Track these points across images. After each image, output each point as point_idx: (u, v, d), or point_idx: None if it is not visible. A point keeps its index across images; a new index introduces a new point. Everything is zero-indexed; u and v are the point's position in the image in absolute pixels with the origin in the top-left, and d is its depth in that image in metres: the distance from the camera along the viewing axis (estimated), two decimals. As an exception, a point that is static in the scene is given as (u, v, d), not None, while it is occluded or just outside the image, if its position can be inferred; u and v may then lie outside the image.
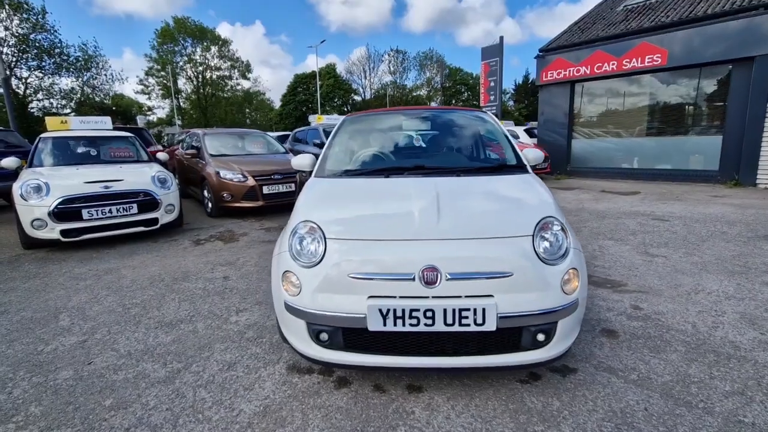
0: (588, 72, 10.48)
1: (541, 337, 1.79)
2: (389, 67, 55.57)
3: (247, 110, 51.68)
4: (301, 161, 3.05)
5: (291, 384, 2.10)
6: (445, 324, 1.72)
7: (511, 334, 1.77)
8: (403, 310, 1.73)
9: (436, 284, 1.73)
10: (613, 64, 10.00)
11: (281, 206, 6.97)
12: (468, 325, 1.71)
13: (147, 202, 5.20)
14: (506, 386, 2.02)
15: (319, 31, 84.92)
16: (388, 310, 1.73)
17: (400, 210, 2.02)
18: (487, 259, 1.77)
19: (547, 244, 1.88)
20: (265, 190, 6.55)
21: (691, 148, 9.35)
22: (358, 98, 56.47)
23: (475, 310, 1.70)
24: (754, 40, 8.07)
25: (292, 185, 6.77)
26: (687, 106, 9.50)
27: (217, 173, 6.55)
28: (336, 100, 54.84)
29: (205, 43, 44.61)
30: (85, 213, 4.78)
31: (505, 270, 1.75)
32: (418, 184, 2.27)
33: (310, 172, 3.04)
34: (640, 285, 3.33)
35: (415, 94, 56.78)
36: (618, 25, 10.49)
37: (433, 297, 1.74)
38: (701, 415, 1.78)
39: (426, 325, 1.73)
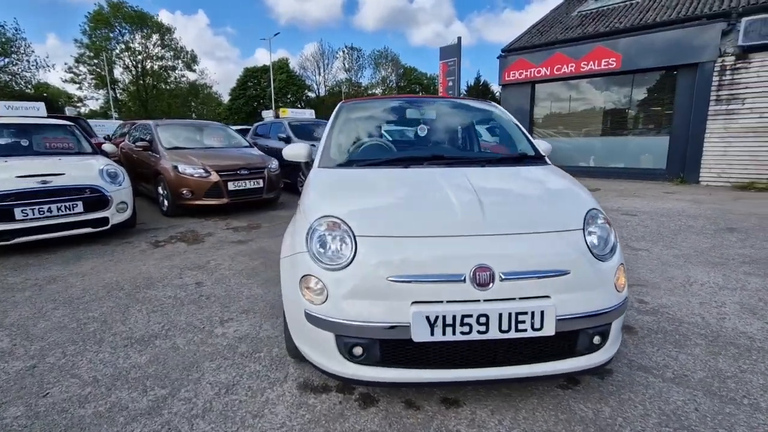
0: (548, 73, 10.84)
1: (597, 339, 1.64)
2: (344, 64, 54.98)
3: (193, 104, 48.69)
4: (296, 150, 2.72)
5: (308, 406, 1.80)
6: (500, 330, 1.52)
7: (568, 338, 1.61)
8: (454, 317, 1.50)
9: (490, 286, 1.53)
10: (571, 66, 10.41)
11: (248, 204, 6.48)
12: (525, 330, 1.53)
13: (95, 199, 4.54)
14: (548, 393, 1.86)
15: (267, 24, 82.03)
16: (437, 318, 1.50)
17: (436, 202, 1.79)
18: (543, 255, 1.59)
19: (595, 238, 1.74)
20: (231, 186, 6.02)
21: (642, 148, 9.96)
22: (311, 95, 55.32)
23: (533, 313, 1.52)
24: (696, 48, 8.71)
25: (261, 181, 6.29)
26: (638, 108, 10.11)
27: (175, 168, 5.93)
28: (289, 96, 53.34)
29: (145, 31, 41.41)
30: (18, 212, 4.06)
31: (561, 267, 1.58)
32: (446, 174, 2.05)
33: (307, 163, 2.73)
34: (636, 279, 3.35)
35: (370, 92, 56.63)
36: (575, 29, 10.95)
37: (484, 300, 1.53)
38: (751, 413, 1.72)
39: (479, 332, 1.52)
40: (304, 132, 8.61)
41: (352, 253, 1.62)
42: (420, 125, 2.84)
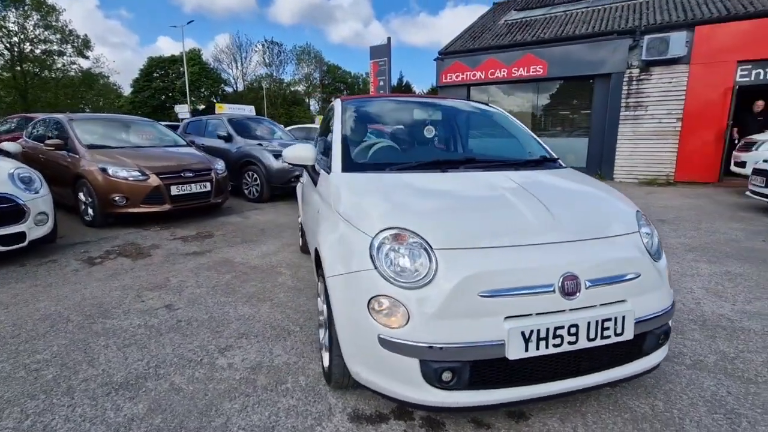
0: (483, 77, 11.42)
1: (662, 338, 1.70)
2: (264, 58, 52.48)
3: (88, 95, 42.65)
4: (300, 152, 2.44)
5: (373, 441, 1.61)
6: (588, 339, 1.49)
7: (639, 340, 1.64)
8: (548, 330, 1.44)
9: (577, 294, 1.49)
10: (503, 71, 11.09)
11: (190, 211, 5.81)
12: (609, 336, 1.52)
13: (6, 210, 3.69)
14: (602, 394, 1.89)
15: (170, 10, 75.15)
16: (532, 332, 1.42)
17: (502, 209, 1.70)
18: (618, 260, 1.60)
19: (648, 239, 1.80)
20: (174, 190, 5.33)
21: (566, 148, 10.98)
22: (229, 89, 51.97)
23: (615, 319, 1.51)
24: (609, 60, 9.84)
25: (208, 184, 5.67)
26: (563, 112, 11.14)
27: (103, 170, 5.07)
28: (203, 89, 49.51)
29: (22, 9, 35.21)
30: None
31: (634, 270, 1.60)
32: (491, 178, 1.97)
33: (313, 167, 2.47)
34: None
35: (293, 89, 54.92)
36: (505, 37, 11.69)
37: (570, 310, 1.49)
38: (770, 389, 1.92)
39: (569, 343, 1.47)
40: (247, 130, 7.98)
41: (433, 268, 1.47)
42: (427, 127, 2.74)
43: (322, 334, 2.10)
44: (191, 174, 5.52)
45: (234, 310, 2.86)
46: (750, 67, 8.57)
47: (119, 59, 70.38)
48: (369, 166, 2.15)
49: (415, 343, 1.42)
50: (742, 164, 7.38)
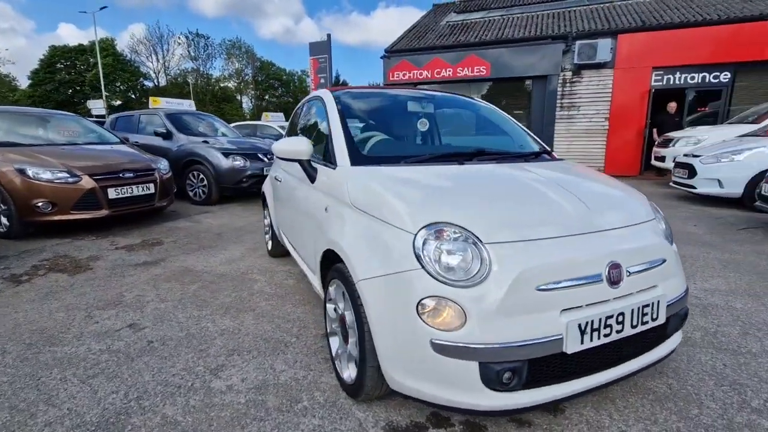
0: (429, 76, 11.63)
1: (682, 321, 1.77)
2: (189, 51, 48.96)
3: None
4: (295, 146, 2.21)
5: (421, 455, 1.48)
6: (632, 326, 1.50)
7: (666, 324, 1.69)
8: (600, 320, 1.42)
9: (621, 282, 1.49)
10: (449, 71, 11.39)
11: (134, 216, 5.18)
12: (647, 322, 1.54)
13: None
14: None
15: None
16: (587, 324, 1.39)
17: (537, 199, 1.65)
18: (649, 246, 1.63)
19: (664, 224, 1.87)
20: (112, 193, 4.69)
21: (508, 146, 11.59)
22: (149, 84, 47.82)
23: (652, 304, 1.54)
24: (545, 63, 10.53)
25: (151, 186, 5.08)
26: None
27: (21, 172, 4.31)
28: (118, 83, 45.02)
29: None
30: None
31: (662, 256, 1.65)
32: (511, 170, 1.93)
33: (309, 162, 2.26)
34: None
35: (223, 84, 51.94)
36: (448, 37, 12.01)
37: (614, 299, 1.49)
38: (753, 358, 2.11)
39: (617, 332, 1.47)
40: (188, 126, 7.32)
41: (486, 263, 1.38)
42: (421, 120, 2.65)
43: (335, 344, 1.92)
44: (131, 174, 4.90)
45: (213, 324, 2.55)
46: (662, 72, 9.67)
47: (14, 47, 61.57)
48: (379, 159, 2.00)
49: (474, 345, 1.32)
50: (662, 159, 8.29)
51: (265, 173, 6.54)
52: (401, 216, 1.53)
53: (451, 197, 1.63)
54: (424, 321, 1.37)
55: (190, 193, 6.70)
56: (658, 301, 1.56)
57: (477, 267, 1.38)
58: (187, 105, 10.87)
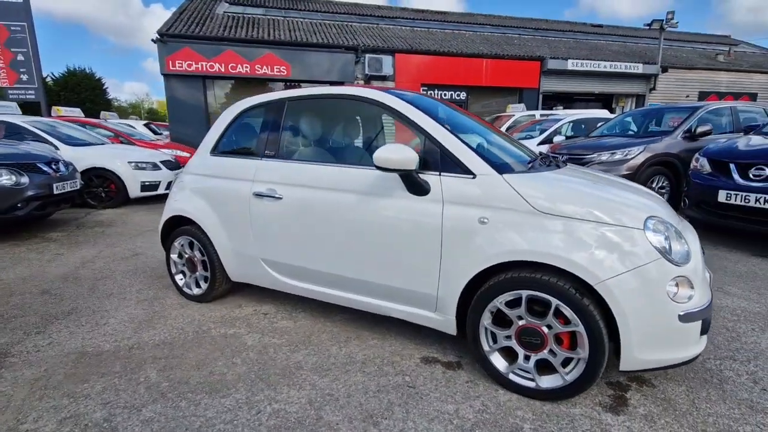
0: (223, 70, 10.36)
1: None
2: None
3: None
4: (404, 155, 1.73)
5: (647, 418, 1.60)
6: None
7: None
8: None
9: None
10: (246, 67, 10.49)
11: None
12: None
13: None
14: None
15: None
16: (709, 274, 1.89)
17: (639, 191, 2.03)
18: None
19: None
20: None
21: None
22: None
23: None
24: (342, 71, 11.31)
25: None
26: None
27: None
28: None
29: None
30: None
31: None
32: (584, 172, 2.21)
33: (417, 171, 1.85)
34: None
35: None
36: (236, 30, 11.01)
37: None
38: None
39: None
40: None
41: (684, 241, 1.65)
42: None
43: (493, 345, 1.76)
44: None
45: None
46: (427, 89, 12.17)
47: None
48: (507, 166, 1.87)
49: (703, 307, 1.58)
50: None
51: (56, 191, 4.42)
52: (614, 213, 1.59)
53: (624, 195, 1.79)
54: (672, 299, 1.52)
55: None
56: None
57: (685, 246, 1.63)
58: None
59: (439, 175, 1.84)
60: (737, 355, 2.06)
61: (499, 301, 1.71)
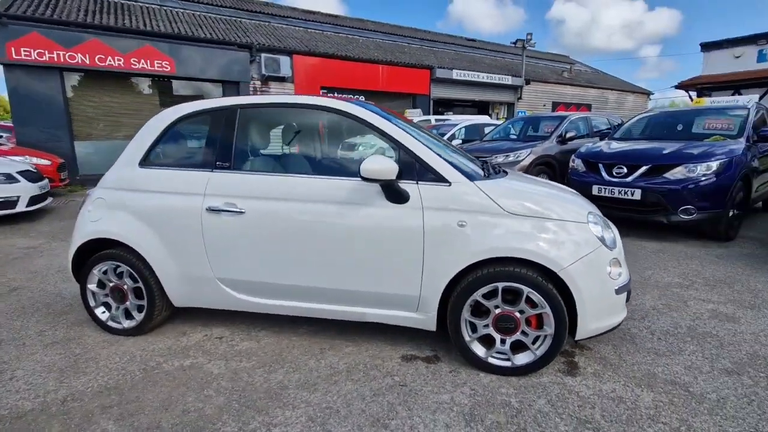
0: (88, 62, 8.78)
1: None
2: None
3: None
4: (385, 165, 1.79)
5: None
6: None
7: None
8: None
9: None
10: (119, 60, 9.06)
11: None
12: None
13: None
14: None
15: None
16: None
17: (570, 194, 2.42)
18: None
19: None
20: None
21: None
22: None
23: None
24: (236, 70, 10.55)
25: None
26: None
27: None
28: None
29: None
30: None
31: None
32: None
33: (397, 181, 1.92)
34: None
35: None
36: (103, 16, 9.44)
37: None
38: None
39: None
40: None
41: (610, 230, 2.06)
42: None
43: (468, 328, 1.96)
44: None
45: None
46: (326, 91, 12.14)
47: None
48: (473, 174, 2.06)
49: (628, 281, 1.99)
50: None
51: None
52: (566, 212, 1.91)
53: (561, 194, 2.13)
54: (610, 277, 1.90)
55: None
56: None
57: (611, 234, 2.04)
58: None
59: (416, 183, 1.95)
60: (633, 315, 2.62)
61: (478, 295, 1.90)
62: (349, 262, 2.01)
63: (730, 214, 4.15)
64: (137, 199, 2.26)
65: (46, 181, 6.00)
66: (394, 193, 1.92)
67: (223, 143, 2.20)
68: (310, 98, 2.21)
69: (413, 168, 1.97)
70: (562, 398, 1.78)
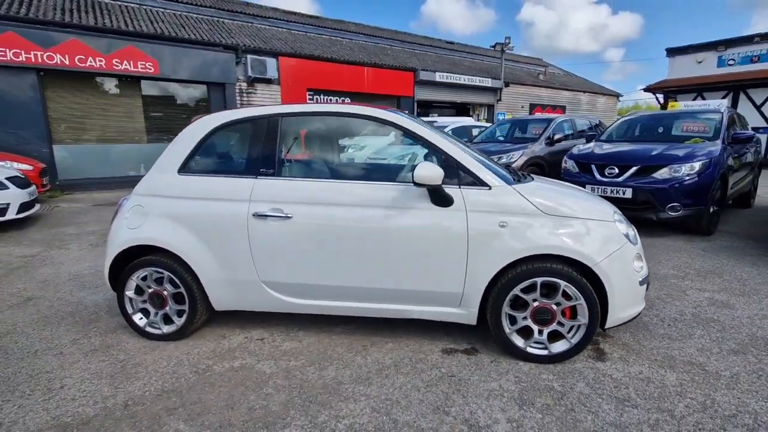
0: (67, 63, 8.46)
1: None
2: None
3: None
4: (435, 172, 1.93)
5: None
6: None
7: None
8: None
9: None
10: (101, 61, 8.78)
11: None
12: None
13: None
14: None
15: None
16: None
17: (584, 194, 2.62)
18: None
19: None
20: None
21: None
22: None
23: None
24: (222, 72, 10.40)
25: None
26: (185, 115, 10.44)
27: None
28: None
29: None
30: None
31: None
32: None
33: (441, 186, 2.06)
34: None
35: None
36: (82, 14, 9.11)
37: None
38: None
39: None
40: None
41: (632, 227, 2.26)
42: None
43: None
44: None
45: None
46: (313, 93, 12.14)
47: None
48: (509, 178, 2.21)
49: (648, 273, 2.20)
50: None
51: None
52: (592, 212, 2.09)
53: (586, 196, 2.32)
54: (636, 270, 2.09)
55: None
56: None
57: (633, 231, 2.24)
58: None
59: (459, 187, 2.09)
60: (641, 305, 2.85)
61: (517, 289, 2.06)
62: (394, 263, 2.13)
63: (711, 210, 4.51)
64: (179, 206, 2.30)
65: (34, 187, 5.79)
66: (440, 197, 2.06)
67: (266, 151, 2.28)
68: (354, 108, 2.31)
69: (456, 173, 2.11)
70: (598, 381, 1.96)
